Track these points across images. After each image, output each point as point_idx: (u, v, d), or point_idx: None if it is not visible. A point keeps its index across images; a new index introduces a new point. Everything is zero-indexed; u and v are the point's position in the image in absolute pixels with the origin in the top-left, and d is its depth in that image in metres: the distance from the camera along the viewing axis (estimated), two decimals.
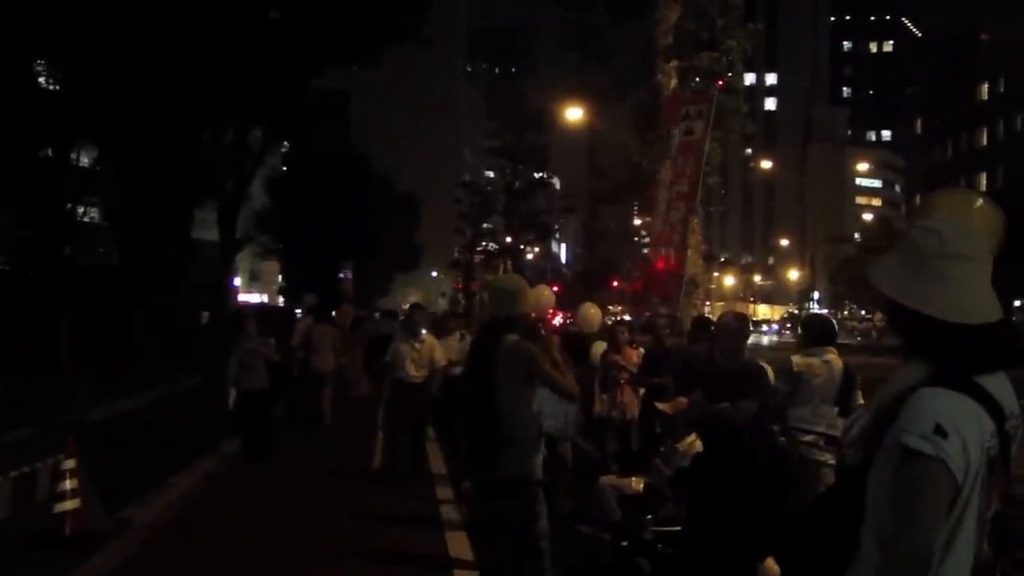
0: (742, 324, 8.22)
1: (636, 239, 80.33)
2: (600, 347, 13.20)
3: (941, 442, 2.77)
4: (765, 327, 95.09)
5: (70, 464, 9.54)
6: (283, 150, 68.62)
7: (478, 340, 7.28)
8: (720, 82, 20.63)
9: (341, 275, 69.69)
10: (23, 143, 26.87)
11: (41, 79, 29.82)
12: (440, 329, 16.90)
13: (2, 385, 18.14)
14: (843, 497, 3.08)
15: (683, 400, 8.82)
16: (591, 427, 12.63)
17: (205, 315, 39.88)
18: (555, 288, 22.59)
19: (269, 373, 15.48)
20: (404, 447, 13.62)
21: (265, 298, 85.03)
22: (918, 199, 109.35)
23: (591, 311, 13.92)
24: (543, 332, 7.70)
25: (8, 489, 9.30)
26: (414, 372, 13.74)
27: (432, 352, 13.99)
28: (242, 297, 74.30)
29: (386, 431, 13.94)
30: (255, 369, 15.32)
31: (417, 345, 13.89)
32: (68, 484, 9.48)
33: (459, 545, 9.86)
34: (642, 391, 12.14)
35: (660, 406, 9.27)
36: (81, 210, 32.97)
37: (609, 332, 13.59)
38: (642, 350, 12.83)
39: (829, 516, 3.14)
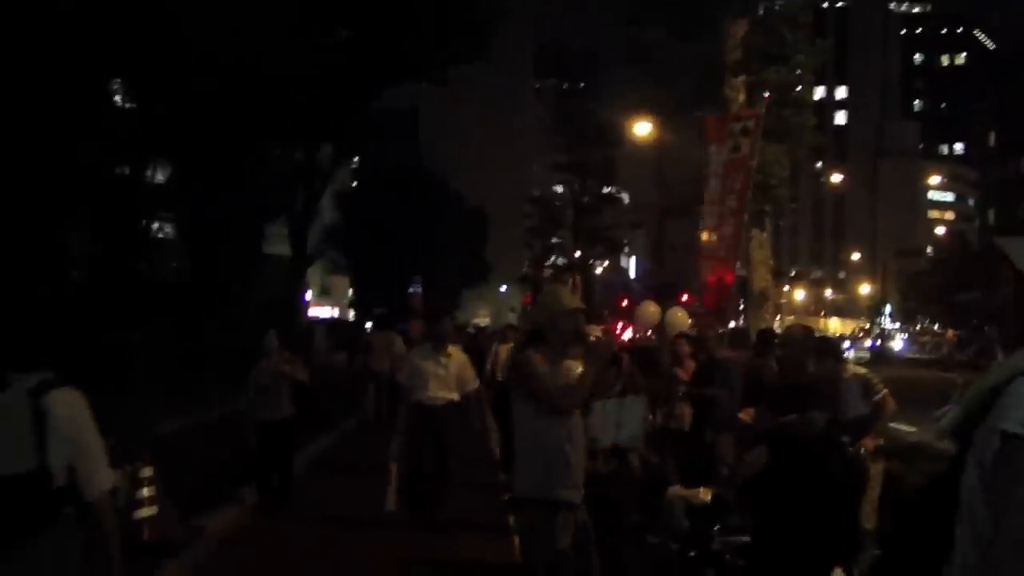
0: (808, 336, 8.25)
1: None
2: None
3: None
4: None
5: (147, 472, 9.78)
6: (353, 166, 69.17)
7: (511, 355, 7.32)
8: (766, 95, 20.60)
9: (411, 290, 70.06)
10: (99, 160, 27.35)
11: (117, 97, 30.36)
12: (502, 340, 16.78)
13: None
14: (936, 496, 3.01)
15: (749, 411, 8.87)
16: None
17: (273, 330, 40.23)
18: (624, 302, 22.63)
19: (295, 399, 12.68)
20: (424, 483, 11.73)
21: (336, 313, 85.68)
22: (991, 213, 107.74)
23: (678, 315, 13.77)
24: (588, 339, 7.27)
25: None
26: (439, 393, 11.64)
27: (462, 371, 11.90)
28: (313, 312, 74.91)
29: (403, 466, 11.90)
30: (277, 395, 12.50)
31: (443, 360, 11.76)
32: (146, 492, 9.72)
33: None
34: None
35: (742, 416, 9.31)
36: (155, 226, 33.47)
37: (670, 345, 13.58)
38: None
39: (921, 517, 3.09)
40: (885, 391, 9.14)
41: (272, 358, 12.63)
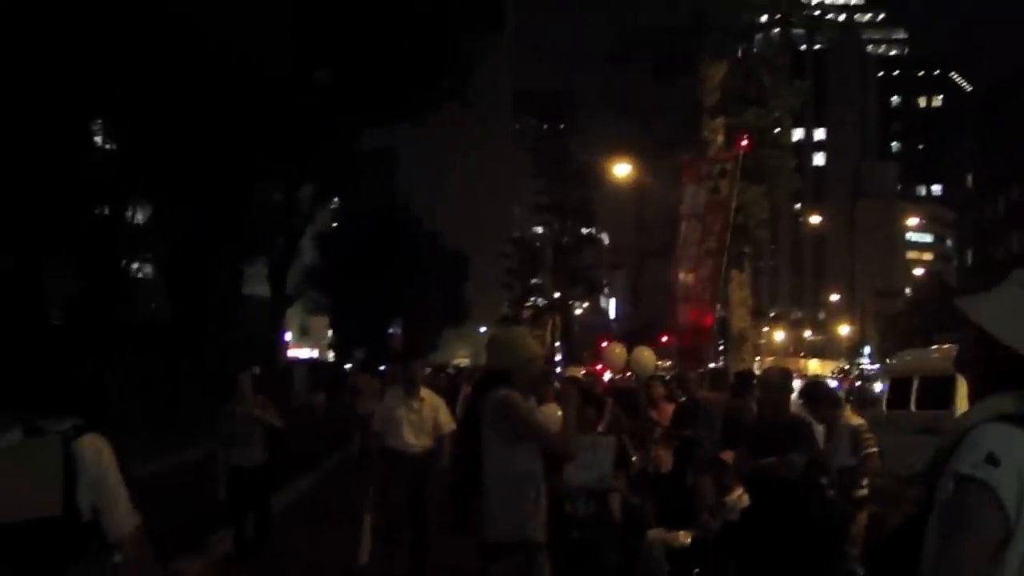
0: (787, 379, 8.26)
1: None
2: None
3: (992, 469, 2.69)
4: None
5: None
6: (333, 206, 69.21)
7: (470, 395, 7.19)
8: (745, 140, 20.64)
9: (390, 331, 69.94)
10: (79, 200, 27.30)
11: (97, 138, 30.35)
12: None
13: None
14: (904, 539, 3.05)
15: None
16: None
17: (255, 369, 40.15)
18: (604, 344, 22.63)
19: (269, 445, 11.80)
20: (403, 536, 11.03)
21: (316, 354, 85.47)
22: (969, 254, 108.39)
23: (644, 354, 13.58)
24: (553, 384, 7.15)
25: None
26: (413, 440, 11.02)
27: (436, 414, 11.28)
28: (292, 352, 74.72)
29: (377, 516, 11.26)
30: (250, 441, 11.65)
31: (416, 405, 11.13)
32: None
33: None
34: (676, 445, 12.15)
35: (724, 455, 9.31)
36: (135, 266, 33.42)
37: (644, 387, 13.49)
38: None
39: (891, 560, 3.12)
40: (874, 449, 8.98)
41: (245, 402, 11.69)
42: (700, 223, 18.30)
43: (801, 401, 9.86)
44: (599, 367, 14.22)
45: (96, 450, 4.88)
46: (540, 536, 6.28)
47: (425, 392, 11.39)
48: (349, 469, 20.33)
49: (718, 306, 19.07)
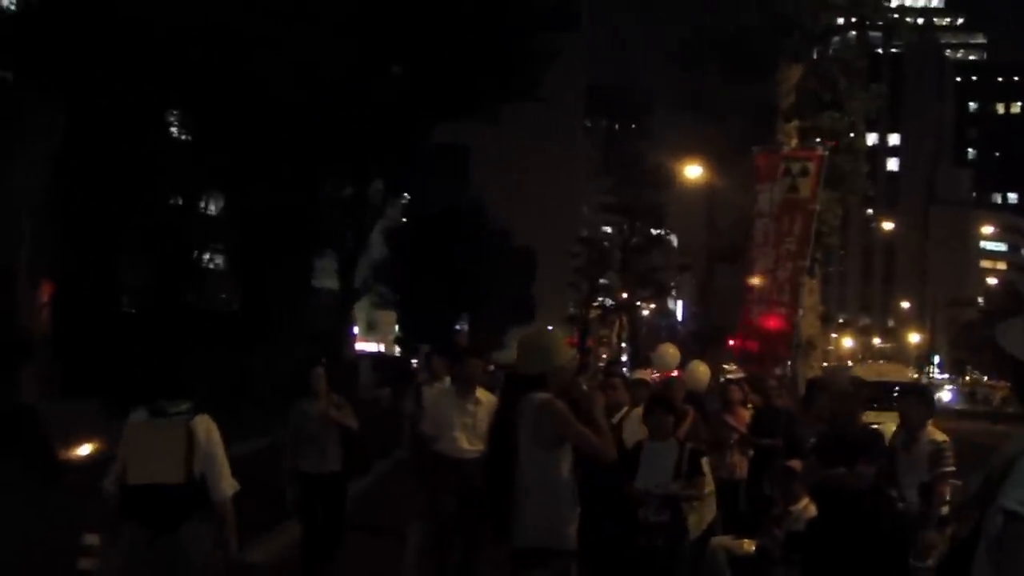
0: (857, 388, 8.16)
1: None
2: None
3: None
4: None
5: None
6: (403, 202, 69.55)
7: (501, 399, 7.05)
8: (834, 143, 20.37)
9: (457, 327, 70.13)
10: (154, 191, 27.64)
11: (173, 130, 30.71)
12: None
13: (119, 426, 18.49)
14: (958, 562, 3.01)
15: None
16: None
17: (323, 360, 40.39)
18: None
19: (345, 450, 10.45)
20: (451, 552, 10.12)
21: (382, 348, 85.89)
22: None
23: (700, 368, 13.25)
24: (584, 389, 7.05)
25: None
26: (466, 444, 10.02)
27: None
28: (359, 346, 75.12)
29: (428, 528, 10.44)
30: (323, 444, 10.36)
31: (470, 407, 10.15)
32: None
33: None
34: (751, 452, 11.98)
35: (791, 464, 9.20)
36: (206, 257, 33.79)
37: (721, 391, 13.33)
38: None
39: None
40: (950, 469, 8.68)
41: (319, 400, 10.43)
42: (775, 223, 18.06)
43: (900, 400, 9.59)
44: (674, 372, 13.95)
45: (207, 428, 6.53)
46: (574, 545, 6.20)
47: (481, 393, 10.38)
48: (403, 473, 19.90)
49: (799, 311, 18.80)
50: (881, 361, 67.75)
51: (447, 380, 11.56)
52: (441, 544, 10.16)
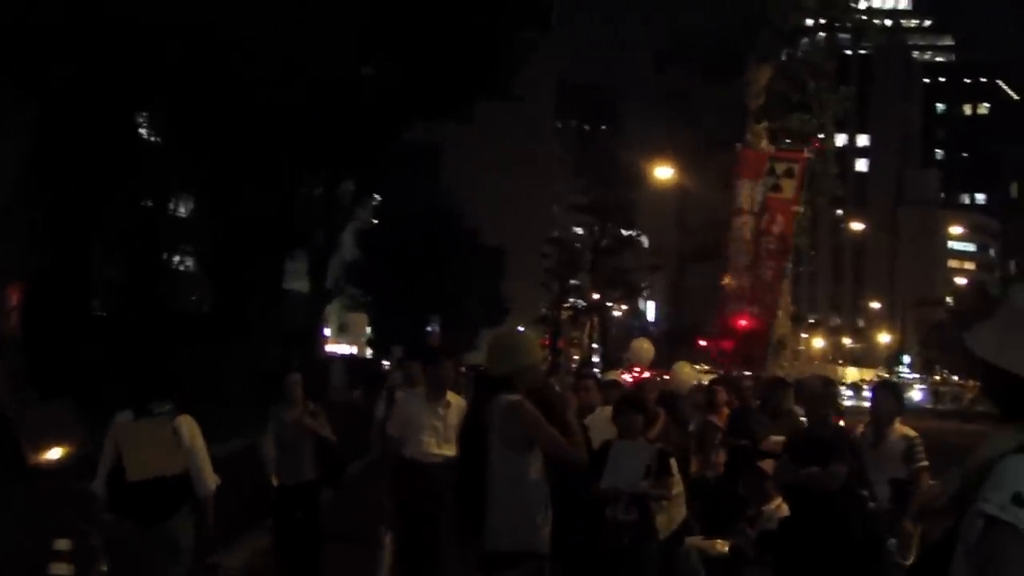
0: (828, 388, 8.21)
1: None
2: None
3: (1019, 511, 2.63)
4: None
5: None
6: (374, 203, 69.44)
7: (472, 401, 7.07)
8: (816, 143, 20.47)
9: (428, 328, 70.12)
10: (122, 192, 27.52)
11: (142, 131, 30.58)
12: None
13: (95, 429, 18.43)
14: (931, 565, 3.01)
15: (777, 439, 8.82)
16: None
17: (295, 365, 40.32)
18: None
19: (319, 458, 10.13)
20: (421, 559, 9.76)
21: (354, 350, 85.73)
22: (1013, 264, 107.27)
23: (685, 369, 13.24)
24: (556, 391, 6.99)
25: (102, 538, 9.47)
26: (434, 448, 9.78)
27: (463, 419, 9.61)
28: (330, 348, 74.96)
29: (397, 536, 10.17)
30: (298, 454, 10.07)
31: (441, 411, 9.91)
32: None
33: None
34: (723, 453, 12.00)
35: (762, 465, 9.25)
36: (177, 258, 33.67)
37: (707, 392, 13.33)
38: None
39: None
40: (926, 463, 8.70)
41: (295, 408, 10.12)
42: (755, 220, 18.08)
43: (875, 395, 9.58)
44: (641, 372, 13.92)
45: (190, 426, 7.09)
46: (546, 547, 6.15)
47: (452, 396, 10.24)
48: (374, 477, 19.39)
49: (779, 311, 18.88)
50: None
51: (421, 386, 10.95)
52: (411, 550, 9.87)
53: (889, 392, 9.18)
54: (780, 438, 9.79)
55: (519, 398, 6.13)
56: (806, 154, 19.57)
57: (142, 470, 6.92)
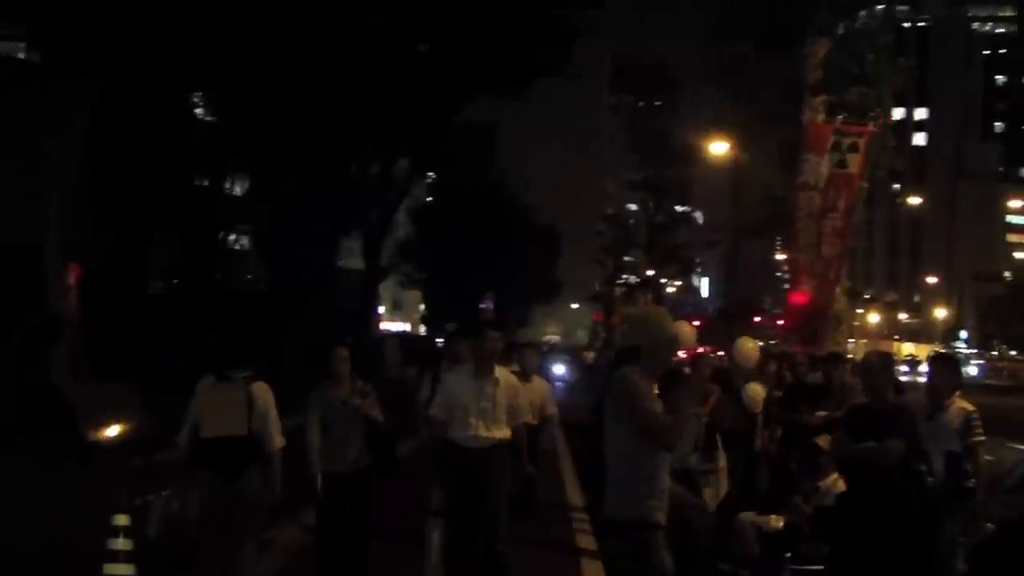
0: (887, 363, 8.11)
1: (779, 274, 79.64)
2: (757, 390, 11.99)
3: None
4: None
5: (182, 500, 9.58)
6: (428, 181, 69.55)
7: (607, 373, 7.20)
8: (880, 120, 20.22)
9: (482, 305, 70.21)
10: (180, 172, 27.72)
11: (198, 111, 30.78)
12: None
13: (153, 407, 18.59)
14: (1005, 552, 2.91)
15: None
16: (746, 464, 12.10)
17: (348, 342, 40.49)
18: (696, 323, 22.39)
19: (371, 445, 9.04)
20: (471, 550, 8.89)
21: (408, 327, 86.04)
22: None
23: (748, 344, 13.03)
24: (685, 372, 7.02)
25: (160, 508, 9.57)
26: (483, 431, 8.89)
27: (513, 399, 9.15)
28: (384, 326, 75.27)
29: (447, 530, 9.13)
30: (346, 439, 9.00)
31: (488, 389, 8.97)
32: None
33: None
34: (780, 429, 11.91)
35: (819, 440, 9.19)
36: (232, 238, 33.92)
37: (776, 367, 13.19)
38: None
39: (992, 565, 2.99)
40: (982, 438, 8.55)
41: (341, 386, 9.12)
42: (820, 196, 17.88)
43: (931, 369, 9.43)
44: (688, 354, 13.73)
45: (263, 392, 7.98)
46: (658, 516, 6.22)
47: (502, 372, 9.27)
48: (422, 462, 17.98)
49: (837, 287, 18.72)
50: None
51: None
52: (460, 541, 8.98)
53: (946, 365, 9.01)
54: (822, 413, 9.72)
55: (630, 371, 6.26)
56: (871, 128, 19.31)
57: (214, 428, 7.89)
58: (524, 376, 11.29)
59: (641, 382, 6.24)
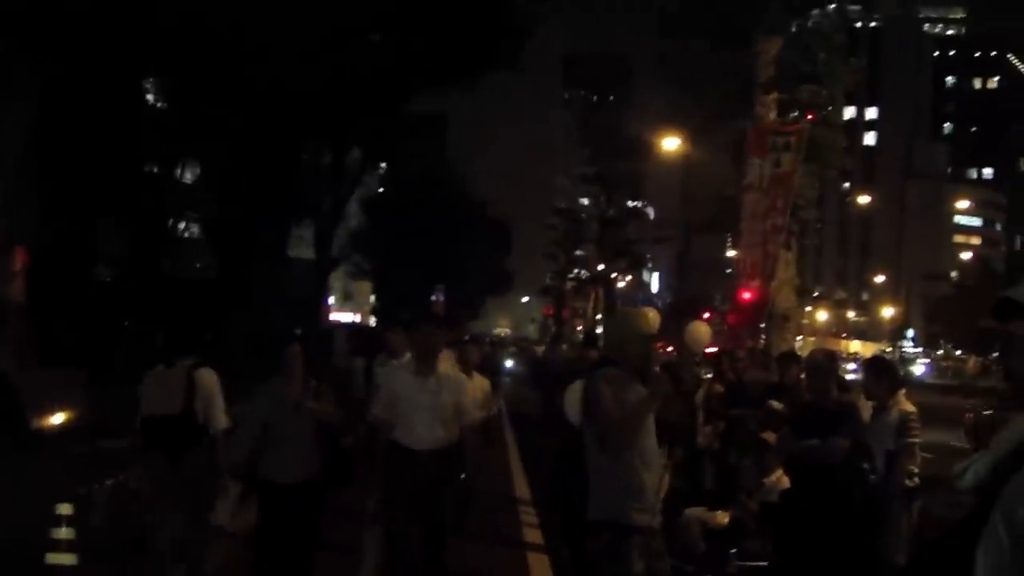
0: (832, 362, 8.19)
1: (729, 271, 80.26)
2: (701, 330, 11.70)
3: None
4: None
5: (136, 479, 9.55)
6: (380, 171, 69.37)
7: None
8: (811, 115, 20.42)
9: (433, 297, 70.08)
10: (130, 159, 27.49)
11: (149, 96, 30.54)
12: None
13: (98, 395, 18.45)
14: (950, 554, 2.86)
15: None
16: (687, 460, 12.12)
17: (298, 332, 40.35)
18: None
19: (324, 452, 8.10)
20: (409, 562, 8.15)
21: (358, 318, 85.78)
22: (1019, 239, 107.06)
23: (701, 328, 12.87)
24: (657, 373, 6.96)
25: (105, 497, 9.52)
26: (425, 432, 8.14)
27: (459, 396, 8.39)
28: (334, 316, 74.99)
29: (385, 537, 8.39)
30: (298, 444, 8.02)
31: (432, 385, 8.19)
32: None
33: None
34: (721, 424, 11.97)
35: (765, 436, 9.25)
36: (182, 225, 33.68)
37: (716, 363, 13.26)
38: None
39: (936, 568, 2.94)
40: (915, 440, 8.68)
41: (294, 386, 8.20)
42: (766, 197, 18.18)
43: (862, 374, 9.60)
44: None
45: (207, 376, 8.42)
46: (641, 520, 6.25)
47: (446, 368, 8.57)
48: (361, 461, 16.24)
49: (772, 284, 19.00)
50: None
51: (407, 357, 9.26)
52: (400, 551, 8.26)
53: (875, 370, 9.13)
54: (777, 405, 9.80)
55: (603, 372, 6.42)
56: (801, 126, 19.55)
57: (152, 408, 8.39)
58: (464, 371, 10.48)
59: (607, 384, 6.28)
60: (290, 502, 7.91)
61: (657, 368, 6.91)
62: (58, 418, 10.93)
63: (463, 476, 9.30)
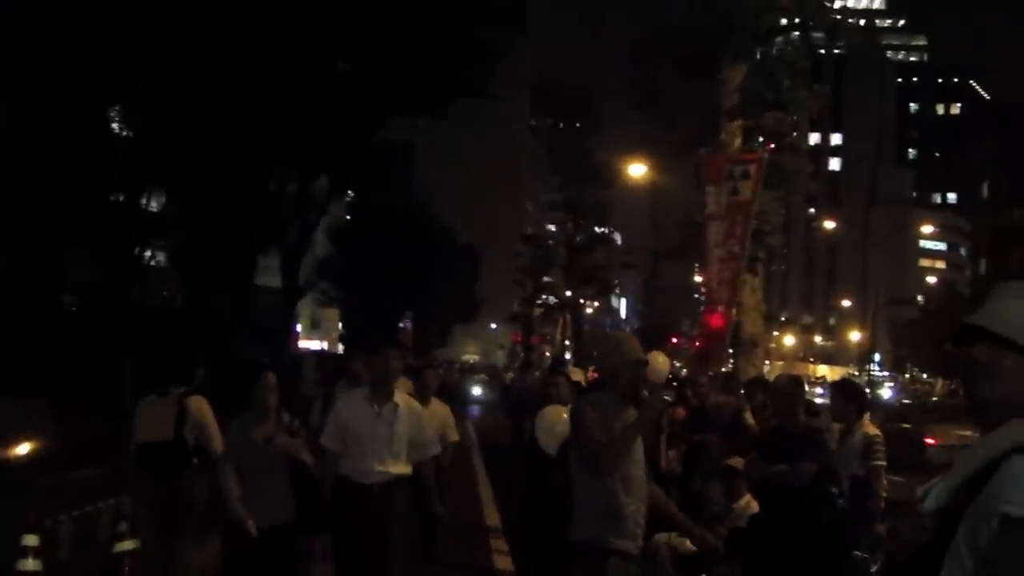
0: (797, 386, 8.23)
1: (696, 296, 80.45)
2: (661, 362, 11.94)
3: None
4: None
5: (129, 502, 9.55)
6: (347, 199, 69.27)
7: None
8: (772, 145, 20.57)
9: (401, 324, 69.97)
10: (96, 187, 27.38)
11: (115, 125, 30.44)
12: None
13: (65, 424, 18.31)
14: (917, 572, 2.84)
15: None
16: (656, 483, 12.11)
17: (266, 361, 40.20)
18: None
19: (297, 494, 7.80)
20: None
21: (325, 346, 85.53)
22: (983, 263, 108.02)
23: (659, 359, 13.09)
24: (645, 395, 6.95)
25: (70, 529, 9.45)
26: (376, 465, 7.64)
27: (417, 427, 8.02)
28: (302, 344, 74.76)
29: (341, 569, 7.96)
30: (271, 484, 7.74)
31: (388, 415, 7.76)
32: (125, 523, 9.47)
33: None
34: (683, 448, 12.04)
35: (731, 462, 9.28)
36: (148, 253, 33.52)
37: (679, 388, 13.37)
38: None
39: None
40: (882, 463, 8.77)
41: (267, 422, 7.86)
42: (723, 224, 18.31)
43: (830, 396, 9.72)
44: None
45: (198, 405, 8.75)
46: (621, 545, 6.33)
47: (401, 397, 8.07)
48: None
49: (733, 310, 19.09)
50: None
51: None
52: None
53: (844, 394, 9.25)
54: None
55: (591, 396, 6.59)
56: (760, 153, 19.70)
57: (146, 435, 8.69)
58: (423, 399, 10.14)
59: (592, 408, 6.37)
60: (258, 547, 7.51)
61: (646, 393, 6.95)
62: (23, 448, 10.84)
63: (437, 510, 9.18)
